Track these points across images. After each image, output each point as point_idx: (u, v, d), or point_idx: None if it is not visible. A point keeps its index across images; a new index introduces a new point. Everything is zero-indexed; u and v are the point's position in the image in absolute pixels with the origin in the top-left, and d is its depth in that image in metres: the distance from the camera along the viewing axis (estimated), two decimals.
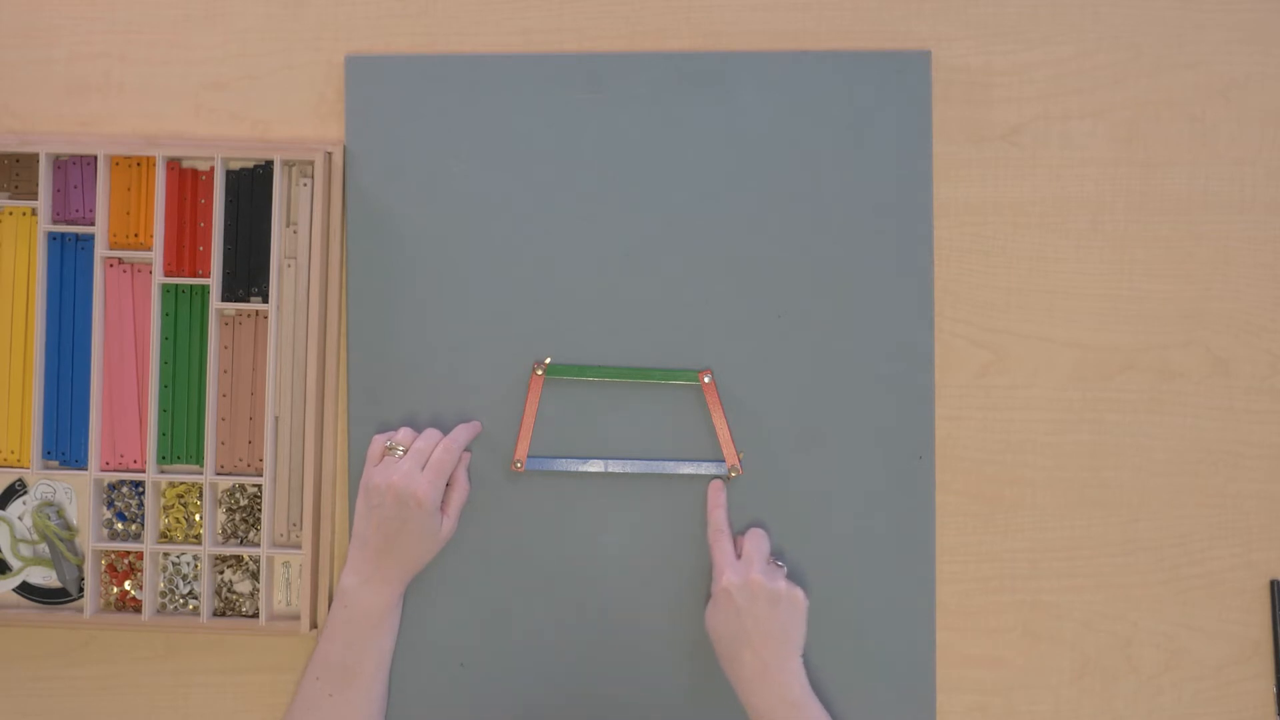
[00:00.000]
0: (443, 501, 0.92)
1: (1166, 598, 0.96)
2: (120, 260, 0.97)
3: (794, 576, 0.94)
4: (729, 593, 0.88)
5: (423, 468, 0.90)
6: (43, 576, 0.97)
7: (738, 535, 0.94)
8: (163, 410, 0.96)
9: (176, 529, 0.97)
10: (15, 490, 0.98)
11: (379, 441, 0.93)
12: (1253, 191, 0.97)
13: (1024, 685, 0.96)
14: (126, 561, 0.97)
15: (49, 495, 0.98)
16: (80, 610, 0.97)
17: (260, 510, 0.96)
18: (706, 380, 0.95)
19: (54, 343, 0.97)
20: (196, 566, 0.97)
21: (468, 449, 0.95)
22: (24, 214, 0.97)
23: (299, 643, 0.97)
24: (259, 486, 0.96)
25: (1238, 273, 0.97)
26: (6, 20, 1.00)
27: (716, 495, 0.95)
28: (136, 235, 0.97)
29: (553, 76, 0.97)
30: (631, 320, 0.96)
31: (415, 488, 0.89)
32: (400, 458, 0.91)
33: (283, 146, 0.97)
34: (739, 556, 0.91)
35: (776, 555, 0.94)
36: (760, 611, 0.87)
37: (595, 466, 0.95)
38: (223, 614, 0.97)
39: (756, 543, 0.91)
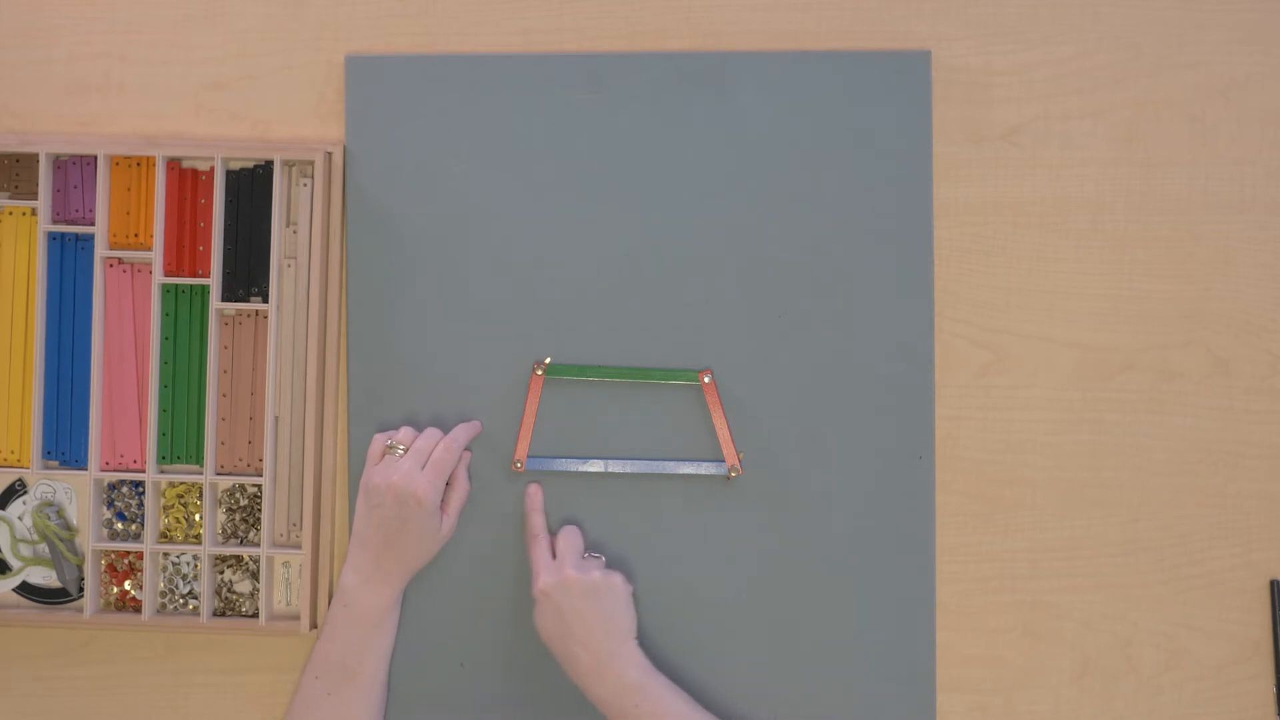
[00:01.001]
0: (443, 501, 0.93)
1: (1166, 598, 0.96)
2: (120, 260, 0.97)
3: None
4: (547, 594, 0.88)
5: (423, 467, 0.90)
6: (43, 576, 0.97)
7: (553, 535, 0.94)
8: (163, 410, 0.96)
9: (176, 529, 0.97)
10: (15, 490, 0.98)
11: (379, 441, 0.93)
12: (1253, 191, 0.97)
13: (1024, 685, 0.96)
14: (126, 561, 0.97)
15: (49, 495, 0.97)
16: (80, 610, 0.97)
17: (260, 510, 0.96)
18: (706, 380, 0.95)
19: (54, 343, 0.97)
20: (196, 566, 0.97)
21: (468, 448, 0.95)
22: (24, 214, 0.97)
23: (299, 643, 0.97)
24: (259, 486, 0.96)
25: (1238, 273, 0.97)
26: (6, 20, 1.00)
27: (534, 499, 0.94)
28: (136, 235, 0.97)
29: (553, 76, 0.97)
30: (631, 320, 0.96)
31: (415, 487, 0.89)
32: (400, 457, 0.91)
33: (283, 146, 0.97)
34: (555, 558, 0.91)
35: (592, 548, 0.94)
36: (580, 606, 0.87)
37: (595, 466, 0.95)
38: (223, 614, 0.97)
39: (569, 540, 0.91)
